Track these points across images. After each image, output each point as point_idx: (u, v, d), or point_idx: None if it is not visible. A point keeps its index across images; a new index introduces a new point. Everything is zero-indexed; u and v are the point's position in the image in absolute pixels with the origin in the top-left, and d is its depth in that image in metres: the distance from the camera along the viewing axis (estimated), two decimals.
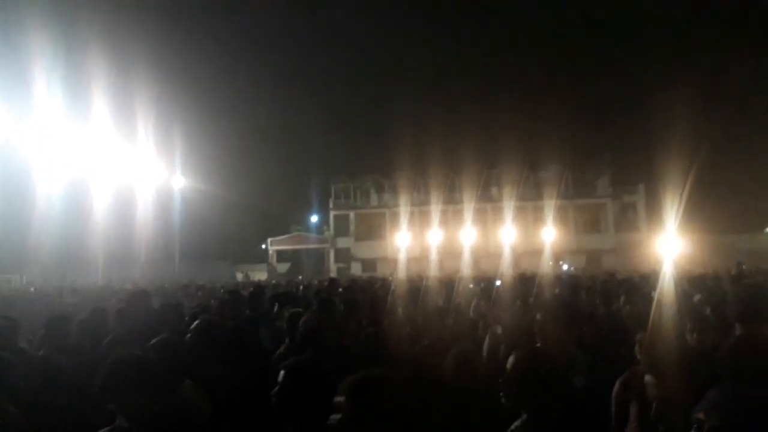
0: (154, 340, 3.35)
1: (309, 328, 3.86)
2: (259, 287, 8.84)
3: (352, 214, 48.67)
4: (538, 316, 3.73)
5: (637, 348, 4.23)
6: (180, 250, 40.25)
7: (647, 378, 1.99)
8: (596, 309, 5.96)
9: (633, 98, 54.78)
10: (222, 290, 11.96)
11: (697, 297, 6.82)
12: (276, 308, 5.87)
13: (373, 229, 47.17)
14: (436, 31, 76.46)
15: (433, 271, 23.47)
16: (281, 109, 60.88)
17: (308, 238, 49.50)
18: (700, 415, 1.48)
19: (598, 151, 45.63)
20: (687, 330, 4.37)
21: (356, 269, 42.96)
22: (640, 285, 8.21)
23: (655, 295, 6.91)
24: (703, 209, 26.61)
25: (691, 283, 9.14)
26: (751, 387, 1.45)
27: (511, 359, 2.51)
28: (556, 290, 8.34)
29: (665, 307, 5.44)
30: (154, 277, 26.09)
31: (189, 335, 3.62)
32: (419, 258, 36.34)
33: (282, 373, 2.60)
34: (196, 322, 3.81)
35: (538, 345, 3.52)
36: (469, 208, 40.23)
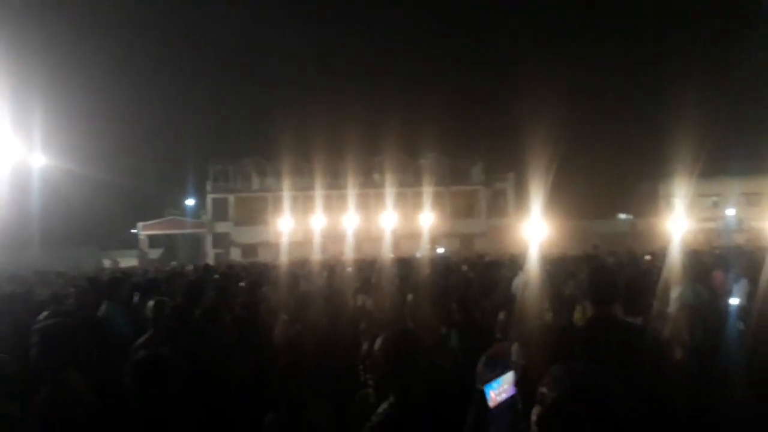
0: None
1: (171, 318, 3.58)
2: (119, 274, 8.17)
3: (231, 198, 47.02)
4: (409, 298, 3.75)
5: (497, 326, 4.43)
6: (41, 235, 36.52)
7: (514, 346, 2.03)
8: (469, 290, 6.18)
9: (505, 92, 57.97)
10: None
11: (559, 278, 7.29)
12: (137, 297, 5.43)
13: (254, 213, 45.89)
14: (321, 15, 75.63)
15: (316, 255, 23.33)
16: (155, 84, 57.05)
17: (184, 223, 47.06)
18: (543, 389, 1.50)
19: (473, 140, 47.93)
20: (545, 308, 4.65)
21: (236, 255, 41.65)
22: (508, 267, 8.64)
23: (521, 276, 7.33)
24: (565, 197, 28.87)
25: (554, 264, 9.83)
26: (595, 363, 1.52)
27: (379, 340, 2.47)
28: (428, 272, 8.55)
29: (529, 287, 5.77)
30: (10, 264, 23.44)
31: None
32: (302, 242, 35.95)
33: (130, 366, 2.36)
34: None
35: (409, 326, 3.53)
36: (352, 193, 40.48)
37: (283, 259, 21.02)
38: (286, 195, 41.08)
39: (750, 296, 5.14)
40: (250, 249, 42.65)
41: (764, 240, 23.72)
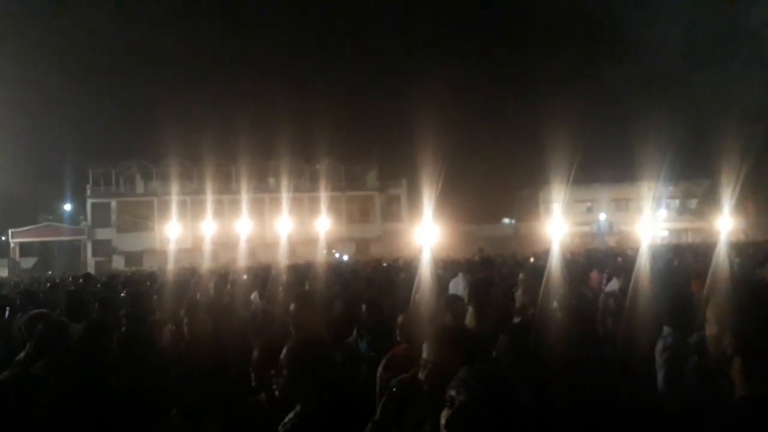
0: None
1: (45, 334, 3.25)
2: None
3: (113, 203, 44.05)
4: (292, 306, 3.71)
5: (397, 330, 4.47)
6: None
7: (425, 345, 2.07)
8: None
9: (399, 102, 59.32)
10: None
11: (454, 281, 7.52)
12: (8, 312, 4.90)
13: (138, 219, 43.31)
14: (210, 13, 73.09)
15: (206, 262, 22.40)
16: (28, 77, 52.05)
17: (60, 229, 43.36)
18: (452, 392, 1.52)
19: (368, 147, 48.49)
20: (442, 310, 4.77)
21: (119, 263, 39.04)
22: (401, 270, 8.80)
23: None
24: (454, 202, 30.00)
25: (446, 267, 10.17)
26: (502, 364, 1.57)
27: (284, 349, 2.42)
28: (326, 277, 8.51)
29: (424, 290, 5.90)
30: None
31: None
32: (192, 249, 34.45)
33: None
34: None
35: (312, 334, 3.48)
36: (245, 198, 39.40)
37: (171, 267, 19.98)
38: (174, 200, 39.15)
39: (621, 294, 5.59)
40: (134, 257, 40.17)
41: (632, 242, 26.04)
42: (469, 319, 4.66)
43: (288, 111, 49.81)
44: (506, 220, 51.41)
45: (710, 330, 1.89)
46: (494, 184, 48.48)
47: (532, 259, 11.35)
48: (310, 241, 38.20)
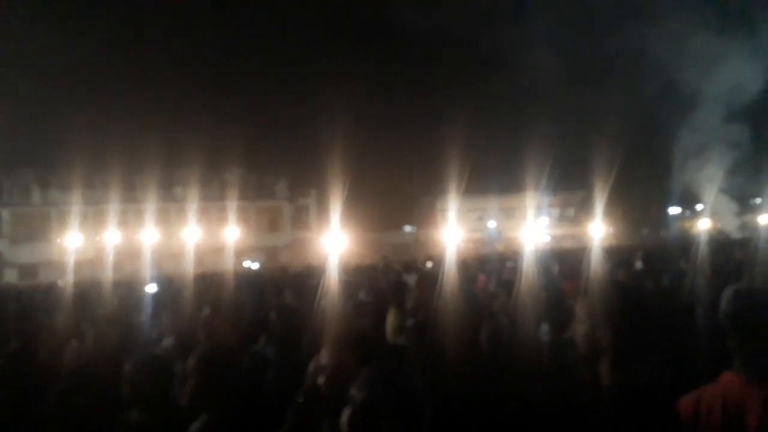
0: None
1: None
2: None
3: (5, 212, 40.10)
4: (204, 313, 3.59)
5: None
6: None
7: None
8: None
9: (307, 113, 58.94)
10: None
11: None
12: None
13: (34, 229, 39.67)
14: (112, 21, 68.90)
15: (109, 273, 20.95)
16: None
17: None
18: (353, 391, 1.54)
19: (278, 158, 47.76)
20: (350, 314, 4.80)
21: (11, 276, 35.54)
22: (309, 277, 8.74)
23: (322, 285, 7.46)
24: (360, 211, 30.23)
25: (354, 273, 10.21)
26: (401, 365, 1.61)
27: (191, 359, 2.34)
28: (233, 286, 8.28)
29: (331, 295, 5.90)
30: None
31: None
32: (93, 261, 32.07)
33: None
34: None
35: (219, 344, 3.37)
36: (151, 207, 37.31)
37: (71, 279, 18.49)
38: (75, 209, 36.31)
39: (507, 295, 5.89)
40: (29, 269, 36.72)
41: (518, 247, 27.45)
42: (391, 319, 4.73)
43: (197, 120, 47.95)
44: (407, 228, 52.48)
45: (581, 326, 2.05)
46: (396, 193, 49.41)
47: (429, 264, 11.67)
48: (219, 251, 36.89)
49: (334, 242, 10.33)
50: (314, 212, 47.85)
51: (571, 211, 49.32)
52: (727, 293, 1.80)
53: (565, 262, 10.28)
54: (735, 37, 33.86)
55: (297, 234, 46.11)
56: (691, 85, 34.73)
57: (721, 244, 12.27)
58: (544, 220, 45.87)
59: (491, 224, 46.69)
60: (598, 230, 14.52)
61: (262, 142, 52.00)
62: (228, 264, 28.71)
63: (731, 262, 7.10)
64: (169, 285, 9.06)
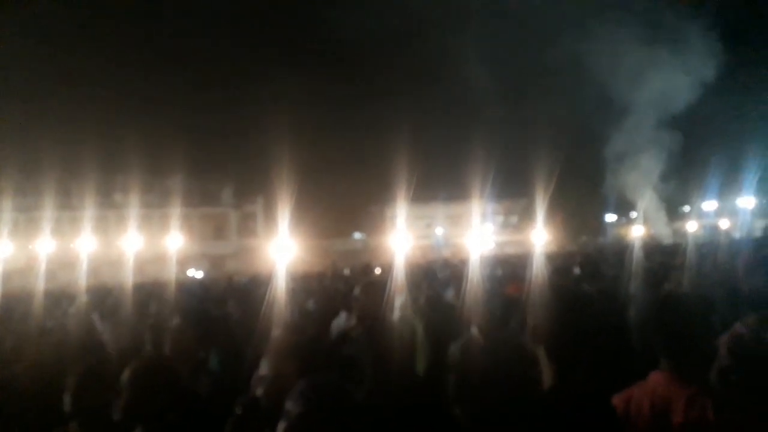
0: None
1: None
2: None
3: None
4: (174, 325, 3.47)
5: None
6: None
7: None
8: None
9: (254, 118, 57.92)
10: None
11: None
12: None
13: None
14: (48, 23, 65.62)
15: (41, 283, 19.85)
16: None
17: None
18: (289, 404, 1.53)
19: (223, 164, 46.71)
20: (295, 323, 4.74)
21: None
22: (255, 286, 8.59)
23: (268, 294, 7.34)
24: (309, 218, 29.95)
25: (301, 282, 10.10)
26: (338, 377, 1.61)
27: (126, 371, 2.26)
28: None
29: (276, 305, 5.82)
30: None
31: None
32: (24, 270, 30.29)
33: None
34: None
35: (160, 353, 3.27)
36: (88, 214, 35.70)
37: None
38: (3, 216, 34.30)
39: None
40: None
41: (464, 254, 27.93)
42: (338, 325, 4.70)
43: (139, 124, 46.24)
44: (357, 235, 52.47)
45: (527, 330, 2.12)
46: (346, 200, 49.32)
47: (378, 271, 11.70)
48: (161, 260, 35.66)
49: (282, 250, 10.19)
50: (261, 219, 47.07)
51: (514, 218, 50.70)
52: (654, 297, 1.91)
53: (507, 268, 10.55)
54: (665, 49, 35.98)
55: (243, 242, 45.20)
56: (624, 96, 36.60)
57: (652, 250, 12.90)
58: (489, 227, 46.95)
59: (439, 231, 47.35)
60: (540, 237, 14.98)
61: (207, 147, 50.72)
62: (170, 273, 27.81)
63: (662, 267, 7.48)
64: (107, 295, 8.70)
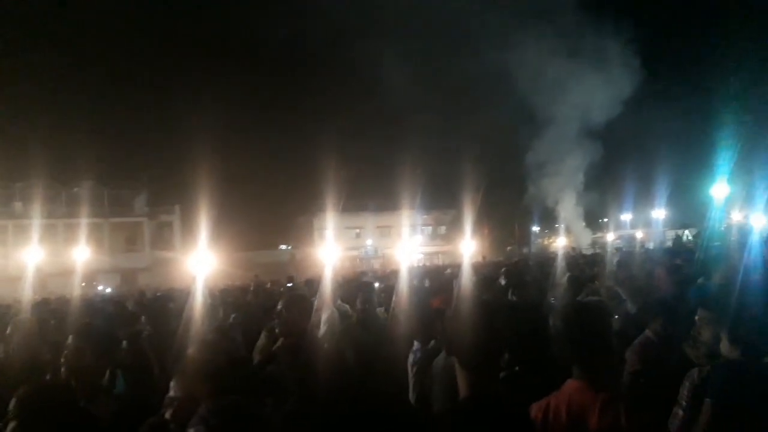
0: None
1: None
2: None
3: None
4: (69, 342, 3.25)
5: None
6: None
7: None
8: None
9: (171, 121, 55.91)
10: None
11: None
12: None
13: None
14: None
15: None
16: None
17: None
18: (191, 429, 1.47)
19: (137, 170, 44.61)
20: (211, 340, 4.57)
21: None
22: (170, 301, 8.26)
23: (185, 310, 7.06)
24: (231, 229, 29.21)
25: (221, 295, 9.77)
26: (247, 399, 1.57)
27: (12, 400, 2.09)
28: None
29: (194, 320, 5.60)
30: None
31: None
32: None
33: None
34: None
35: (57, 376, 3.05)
36: None
37: None
38: None
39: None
40: None
41: (394, 264, 28.20)
42: (261, 341, 4.56)
43: (42, 125, 43.28)
44: (283, 246, 51.69)
45: (447, 341, 2.15)
46: (272, 211, 48.57)
47: (305, 283, 11.58)
48: (66, 273, 33.44)
49: (201, 263, 9.83)
50: (178, 230, 45.29)
51: (442, 229, 51.81)
52: (566, 306, 2.01)
53: (435, 279, 10.74)
54: (585, 65, 38.28)
55: (158, 254, 43.24)
56: (545, 109, 38.62)
57: (573, 260, 13.58)
58: (418, 238, 47.74)
59: (368, 242, 47.56)
60: (468, 247, 15.40)
61: (118, 152, 48.30)
62: (76, 288, 26.17)
63: (582, 276, 7.87)
64: (3, 313, 8.06)
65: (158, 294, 12.45)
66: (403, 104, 40.33)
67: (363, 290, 4.45)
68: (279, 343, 3.65)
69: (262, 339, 4.49)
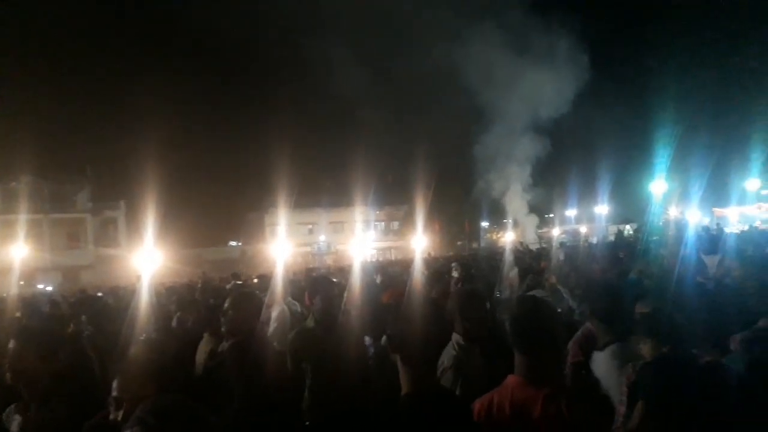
0: None
1: None
2: None
3: None
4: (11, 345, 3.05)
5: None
6: None
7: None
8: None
9: (116, 114, 53.89)
10: None
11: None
12: None
13: None
14: None
15: None
16: None
17: None
18: (140, 411, 1.41)
19: (80, 163, 42.69)
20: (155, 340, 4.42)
21: None
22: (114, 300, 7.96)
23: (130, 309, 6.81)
24: (179, 226, 28.45)
25: (166, 293, 9.50)
26: (189, 398, 1.51)
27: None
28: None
29: (138, 319, 5.41)
30: None
31: None
32: None
33: None
34: None
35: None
36: None
37: None
38: None
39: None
40: None
41: (347, 260, 28.15)
42: (203, 340, 4.43)
43: None
44: (233, 243, 50.70)
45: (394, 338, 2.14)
46: (221, 206, 47.55)
47: (255, 280, 11.38)
48: (3, 272, 31.78)
49: (147, 260, 9.53)
50: (123, 226, 43.72)
51: (395, 225, 52.05)
52: (510, 301, 2.03)
53: (387, 274, 10.77)
54: (530, 64, 39.20)
55: (102, 251, 41.60)
56: (492, 106, 39.36)
57: (521, 254, 13.88)
58: (371, 234, 47.83)
59: (321, 238, 47.26)
60: (420, 243, 15.53)
61: (60, 145, 46.16)
62: (13, 287, 24.89)
63: (529, 271, 8.05)
64: None
65: (102, 292, 11.99)
66: (355, 101, 40.24)
67: (321, 287, 4.32)
68: (225, 343, 3.56)
69: (204, 338, 4.36)
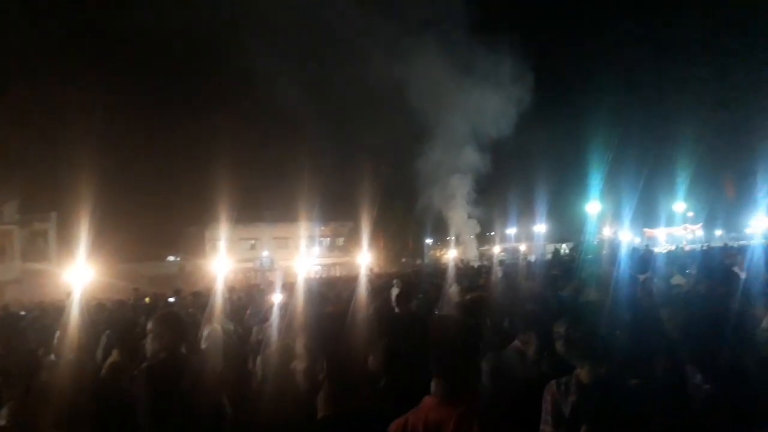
0: None
1: None
2: None
3: None
4: None
5: None
6: None
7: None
8: None
9: (46, 122, 51.17)
10: None
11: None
12: None
13: None
14: None
15: None
16: None
17: None
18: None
19: (7, 174, 40.30)
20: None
21: None
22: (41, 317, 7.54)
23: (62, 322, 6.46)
24: (113, 240, 27.29)
25: (95, 310, 9.07)
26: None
27: None
28: None
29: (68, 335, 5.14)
30: None
31: None
32: None
33: None
34: None
35: None
36: None
37: None
38: None
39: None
40: None
41: (291, 276, 27.74)
42: (113, 358, 4.24)
43: None
44: (171, 258, 49.00)
45: (299, 363, 2.14)
46: (159, 220, 45.89)
47: (190, 297, 11.06)
48: None
49: (79, 275, 9.09)
50: (53, 239, 41.49)
51: (340, 241, 51.82)
52: (426, 322, 2.04)
53: (331, 289, 10.71)
54: (473, 83, 40.29)
55: (30, 265, 39.27)
56: (435, 123, 40.14)
57: (463, 271, 14.11)
58: (316, 250, 47.40)
59: (264, 254, 46.39)
60: (365, 259, 15.55)
61: None
62: None
63: (470, 287, 8.18)
64: None
65: (25, 309, 11.31)
66: (298, 115, 40.06)
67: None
68: (142, 365, 3.37)
69: (114, 357, 4.13)
